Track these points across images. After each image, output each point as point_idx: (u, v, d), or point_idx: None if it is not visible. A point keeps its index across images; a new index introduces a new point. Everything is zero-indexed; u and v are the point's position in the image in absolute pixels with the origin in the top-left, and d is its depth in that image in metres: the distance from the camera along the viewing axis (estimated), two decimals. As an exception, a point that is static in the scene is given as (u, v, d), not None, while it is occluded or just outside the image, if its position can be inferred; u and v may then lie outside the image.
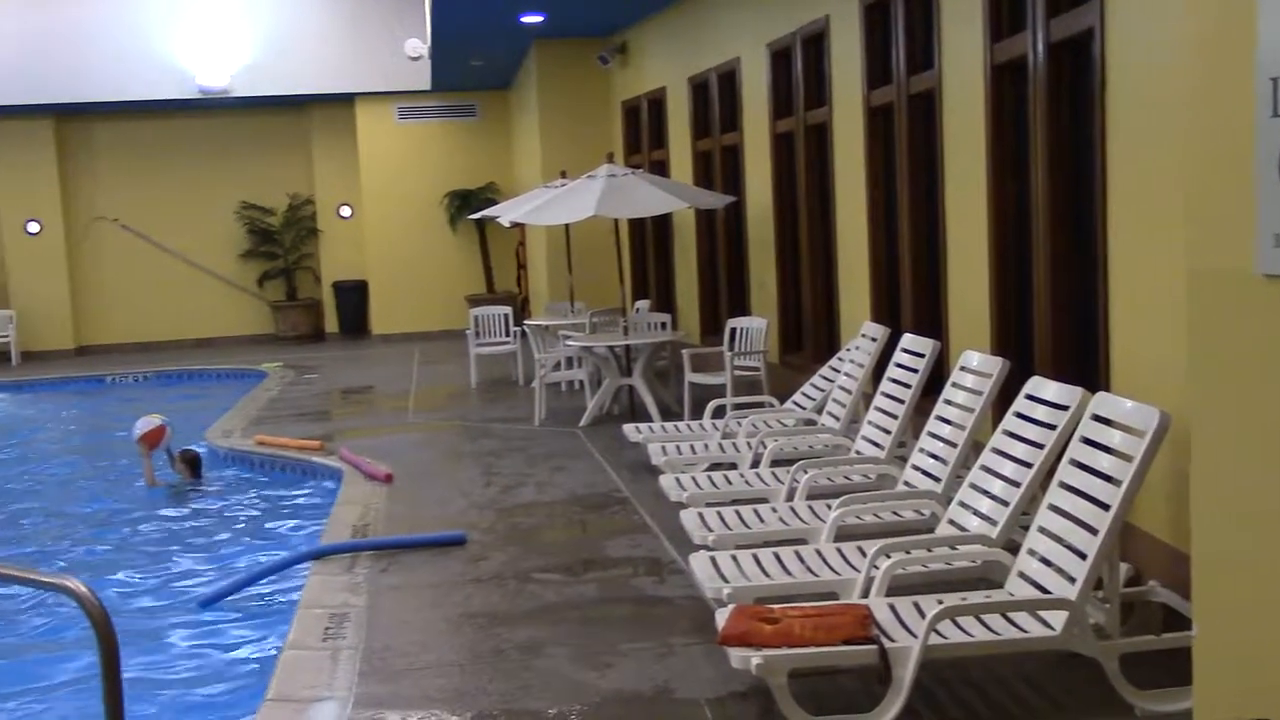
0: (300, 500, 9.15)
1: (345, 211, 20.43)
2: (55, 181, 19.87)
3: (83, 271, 20.26)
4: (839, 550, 5.00)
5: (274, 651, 5.66)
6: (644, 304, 13.02)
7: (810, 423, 7.71)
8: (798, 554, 4.97)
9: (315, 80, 19.18)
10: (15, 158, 19.70)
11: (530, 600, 5.74)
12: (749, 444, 7.11)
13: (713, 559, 4.92)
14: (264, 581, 6.63)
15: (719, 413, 8.07)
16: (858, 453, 6.64)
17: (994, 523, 4.78)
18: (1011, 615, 4.15)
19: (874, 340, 7.36)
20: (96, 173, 20.30)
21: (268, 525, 8.64)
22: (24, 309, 19.71)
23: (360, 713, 4.45)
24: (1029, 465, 4.71)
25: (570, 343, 11.02)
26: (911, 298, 7.64)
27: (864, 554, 4.81)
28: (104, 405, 15.85)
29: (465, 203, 19.40)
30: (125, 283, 20.36)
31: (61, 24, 18.55)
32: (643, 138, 14.45)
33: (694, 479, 6.48)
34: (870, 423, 6.67)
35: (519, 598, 5.78)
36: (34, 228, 19.83)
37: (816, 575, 4.79)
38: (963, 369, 5.73)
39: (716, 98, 11.74)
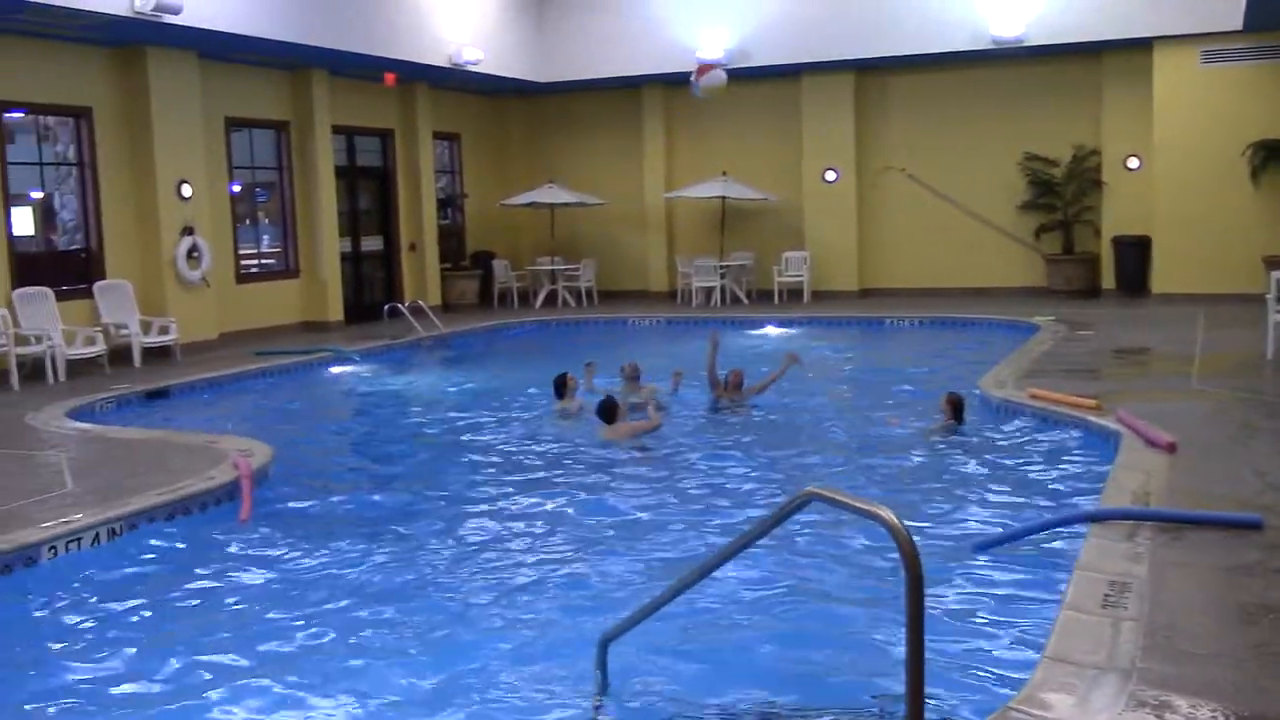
0: (1072, 458, 8.94)
1: (1133, 163, 19.52)
2: (852, 133, 21.25)
3: (870, 218, 21.52)
4: None
5: (1044, 607, 5.62)
6: None
7: None
8: None
9: (1112, 26, 18.51)
10: (819, 110, 21.37)
11: (1343, 603, 5.08)
12: None
13: None
14: (1039, 536, 6.57)
15: None
16: None
17: None
18: None
19: None
20: (888, 124, 21.36)
21: (1037, 479, 8.54)
22: (817, 251, 21.41)
23: (1144, 689, 4.23)
24: None
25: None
26: None
27: None
28: (882, 347, 16.76)
29: (1272, 154, 17.61)
30: (908, 230, 21.30)
31: (869, -17, 19.74)
32: None
33: None
34: None
35: (1328, 598, 5.14)
36: (831, 176, 21.39)
37: None
38: None
39: None
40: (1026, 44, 18.99)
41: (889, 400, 12.10)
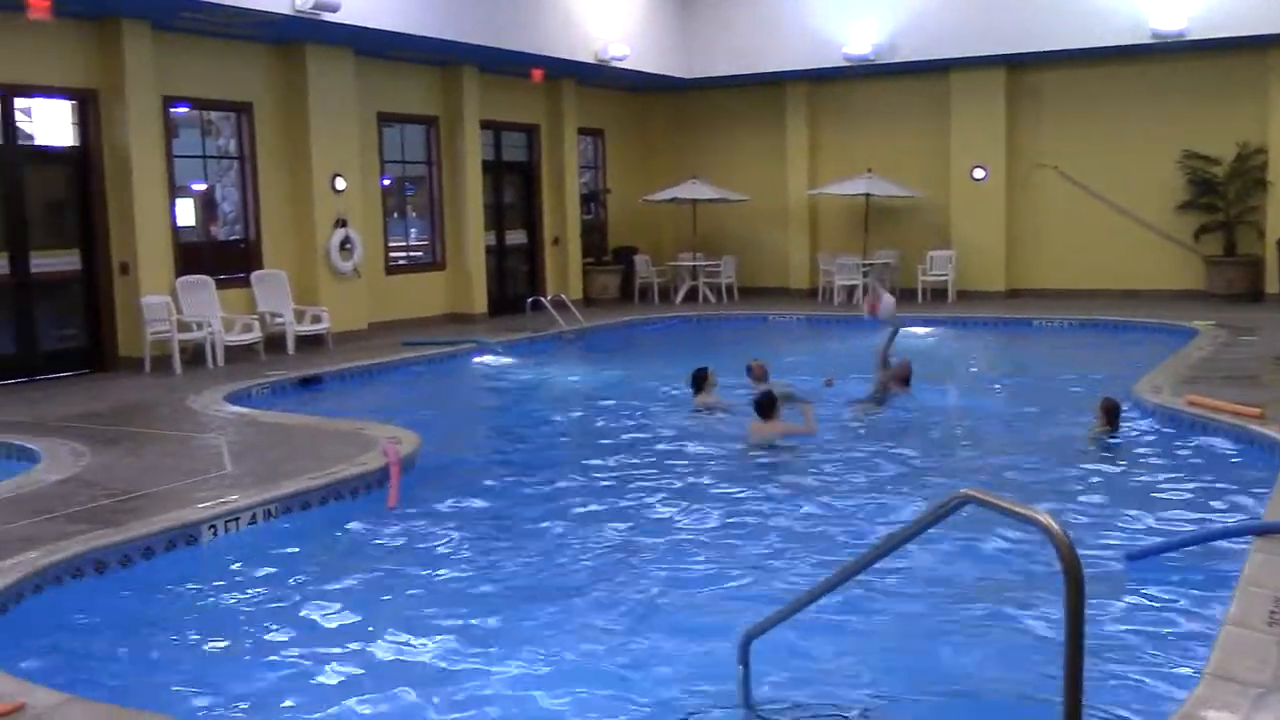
0: (1233, 469, 8.58)
1: (1302, 163, 18.65)
2: (1002, 129, 20.76)
3: (1019, 217, 20.99)
4: None
5: (1205, 622, 5.42)
6: None
7: None
8: None
9: (1281, 18, 17.71)
10: (967, 106, 20.93)
11: None
12: None
13: None
14: (1199, 548, 6.33)
15: None
16: None
17: None
18: None
19: None
20: (1040, 120, 20.81)
21: (1195, 489, 8.22)
22: (963, 251, 20.98)
23: (1314, 711, 4.04)
24: None
25: None
26: None
27: None
28: (1031, 349, 16.34)
29: None
30: (1057, 229, 20.73)
31: (1022, -24, 19.23)
32: None
33: None
34: None
35: None
36: (979, 174, 20.94)
37: None
38: None
39: None
40: (1188, 39, 18.29)
41: (1040, 403, 11.79)
